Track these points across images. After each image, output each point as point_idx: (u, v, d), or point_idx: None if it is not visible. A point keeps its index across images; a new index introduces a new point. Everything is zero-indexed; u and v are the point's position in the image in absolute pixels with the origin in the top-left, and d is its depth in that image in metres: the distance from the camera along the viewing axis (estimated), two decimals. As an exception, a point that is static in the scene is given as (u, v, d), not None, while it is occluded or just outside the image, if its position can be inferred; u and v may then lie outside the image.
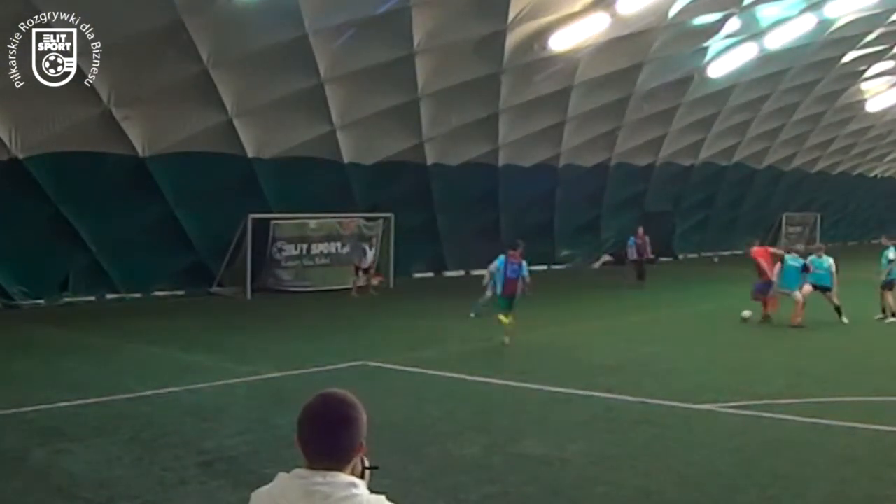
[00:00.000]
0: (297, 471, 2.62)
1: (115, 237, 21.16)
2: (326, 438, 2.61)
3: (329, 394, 2.67)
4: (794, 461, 8.88)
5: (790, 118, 37.15)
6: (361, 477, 2.67)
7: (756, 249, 20.77)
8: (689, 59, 28.60)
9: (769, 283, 19.47)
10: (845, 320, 18.96)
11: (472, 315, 19.04)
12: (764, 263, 19.77)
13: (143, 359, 14.14)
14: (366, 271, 24.58)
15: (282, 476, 2.65)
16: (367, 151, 25.28)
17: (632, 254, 27.51)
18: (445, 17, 21.79)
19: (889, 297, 20.01)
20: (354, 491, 2.57)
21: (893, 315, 19.89)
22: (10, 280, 19.96)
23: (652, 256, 27.86)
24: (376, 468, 2.71)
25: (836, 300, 19.15)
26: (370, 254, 24.58)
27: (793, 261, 19.31)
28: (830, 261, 19.38)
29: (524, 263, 16.14)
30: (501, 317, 15.89)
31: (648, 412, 10.86)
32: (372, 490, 2.66)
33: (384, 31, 21.24)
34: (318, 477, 2.57)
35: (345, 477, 2.59)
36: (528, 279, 16.16)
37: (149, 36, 18.08)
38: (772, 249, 21.10)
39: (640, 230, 27.63)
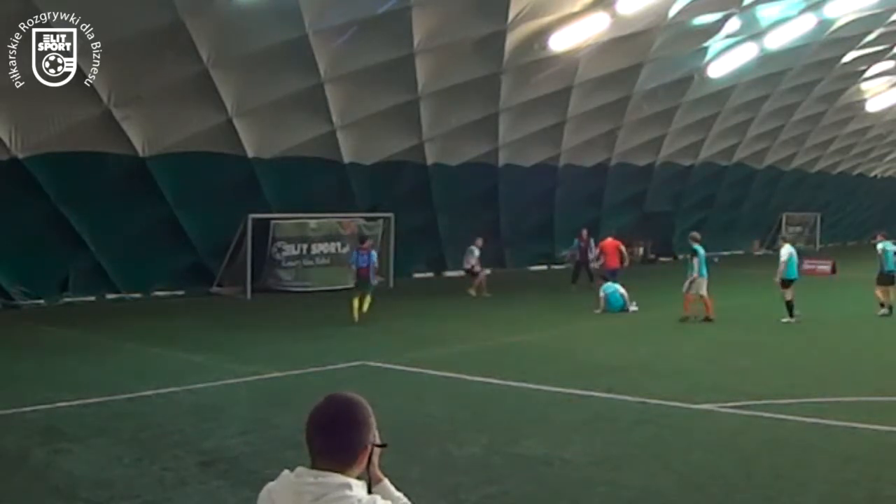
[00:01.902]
0: (298, 469, 2.63)
1: (115, 237, 21.17)
2: (329, 439, 2.61)
3: (335, 395, 2.69)
4: (794, 461, 8.87)
5: (790, 118, 37.16)
6: (368, 463, 2.68)
7: (608, 241, 23.70)
8: (689, 59, 28.61)
9: (614, 271, 22.45)
10: (783, 320, 18.67)
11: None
12: (609, 254, 23.09)
13: (143, 359, 14.14)
14: (473, 273, 24.48)
15: (285, 474, 2.66)
16: (367, 151, 25.29)
17: (574, 256, 26.77)
18: (445, 17, 21.80)
19: (891, 291, 19.95)
20: (347, 492, 2.55)
21: (890, 308, 19.88)
22: (10, 280, 19.97)
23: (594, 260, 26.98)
24: (384, 446, 2.71)
25: (787, 296, 18.95)
26: (477, 253, 24.56)
27: (700, 248, 19.41)
28: (783, 250, 19.37)
29: (373, 253, 19.67)
30: (355, 300, 18.88)
31: (648, 412, 10.85)
32: (397, 488, 2.71)
33: (384, 31, 21.25)
34: (310, 477, 2.58)
35: (338, 478, 2.57)
36: (376, 266, 19.78)
37: (149, 36, 18.08)
38: (621, 246, 23.84)
39: (584, 232, 26.83)
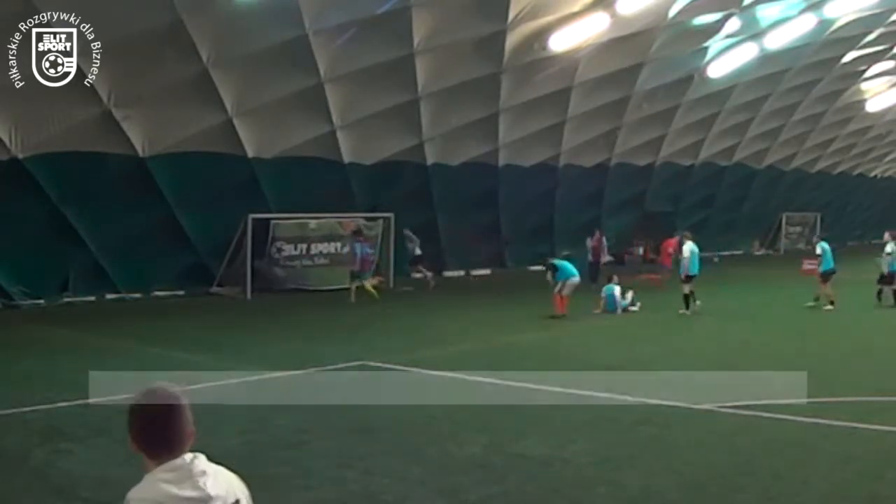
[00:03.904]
0: (167, 466, 2.73)
1: (115, 237, 21.17)
2: (181, 427, 2.79)
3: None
4: (794, 461, 8.87)
5: (790, 118, 37.15)
6: None
7: (668, 240, 26.78)
8: (689, 59, 28.61)
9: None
10: (681, 311, 19.80)
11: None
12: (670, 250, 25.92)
13: (144, 359, 14.11)
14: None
15: (155, 479, 2.72)
16: (367, 151, 25.29)
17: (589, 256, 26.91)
18: (445, 17, 21.80)
19: (827, 286, 20.91)
20: (214, 466, 2.82)
21: (832, 303, 20.56)
22: (10, 280, 19.97)
23: (608, 259, 27.26)
24: None
25: (685, 289, 20.15)
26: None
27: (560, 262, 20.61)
28: (685, 247, 20.66)
29: (356, 246, 23.28)
30: (365, 284, 22.71)
31: (648, 412, 10.85)
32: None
33: (384, 31, 21.25)
34: (188, 457, 2.76)
35: (202, 456, 2.82)
36: (370, 257, 23.98)
37: (149, 36, 18.08)
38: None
39: (598, 233, 27.14)
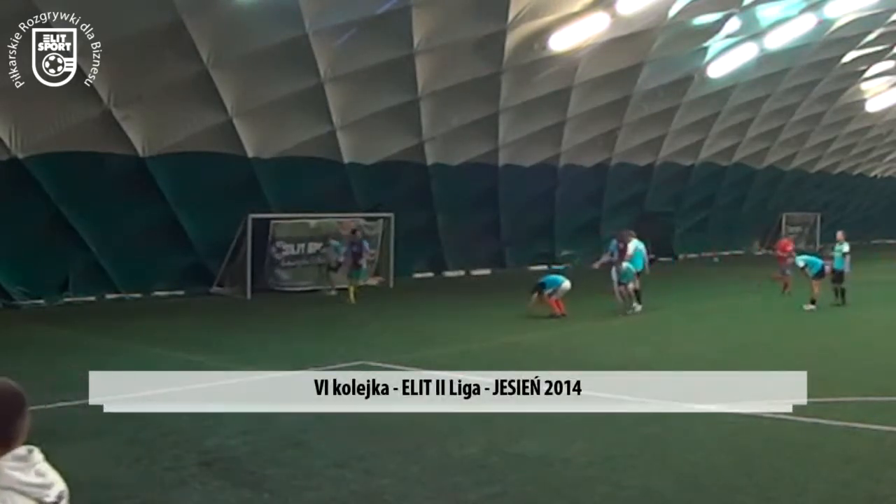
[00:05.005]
0: (12, 455, 2.82)
1: (115, 237, 21.19)
2: (27, 421, 2.87)
3: (9, 382, 2.88)
4: (794, 461, 8.87)
5: (790, 118, 37.18)
6: None
7: (783, 241, 26.41)
8: (689, 59, 28.62)
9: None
10: (635, 306, 20.39)
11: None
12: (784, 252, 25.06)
13: (143, 359, 14.11)
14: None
15: (0, 473, 2.80)
16: (367, 151, 25.30)
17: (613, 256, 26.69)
18: (445, 17, 21.82)
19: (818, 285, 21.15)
20: None
21: (813, 302, 20.74)
22: (10, 280, 19.97)
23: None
24: None
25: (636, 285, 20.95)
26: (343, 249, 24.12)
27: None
28: (630, 244, 21.23)
29: (364, 244, 23.61)
30: (356, 283, 22.78)
31: (648, 412, 10.84)
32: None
33: (384, 31, 21.27)
34: (26, 449, 2.85)
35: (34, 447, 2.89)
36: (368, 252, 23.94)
37: (149, 36, 18.10)
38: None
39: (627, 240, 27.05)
